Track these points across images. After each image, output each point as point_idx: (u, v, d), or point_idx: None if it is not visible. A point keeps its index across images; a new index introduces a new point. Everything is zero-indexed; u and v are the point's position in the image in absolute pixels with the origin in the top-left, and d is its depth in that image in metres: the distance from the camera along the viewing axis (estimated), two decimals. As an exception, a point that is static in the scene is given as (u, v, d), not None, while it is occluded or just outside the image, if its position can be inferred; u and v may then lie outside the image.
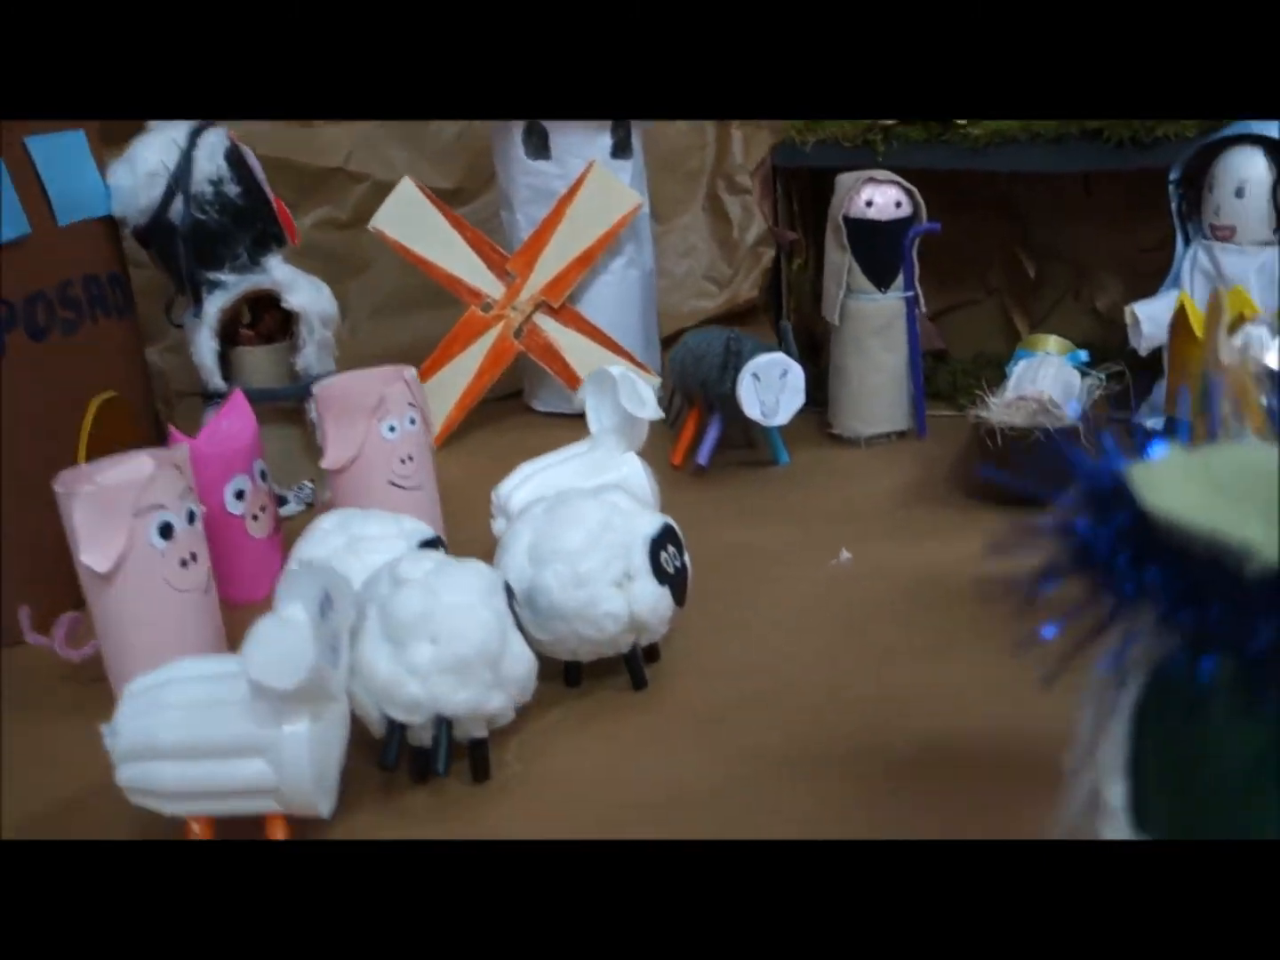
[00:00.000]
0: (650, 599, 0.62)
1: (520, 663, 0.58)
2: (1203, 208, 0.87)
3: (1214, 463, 0.36)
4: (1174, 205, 0.89)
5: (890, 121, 0.97)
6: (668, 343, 1.27)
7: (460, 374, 1.08)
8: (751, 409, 0.90)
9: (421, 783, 0.58)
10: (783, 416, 0.91)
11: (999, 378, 1.05)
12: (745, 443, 1.02)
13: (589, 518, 0.63)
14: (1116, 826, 0.34)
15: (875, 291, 0.96)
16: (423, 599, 0.56)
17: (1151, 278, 1.05)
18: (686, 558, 0.66)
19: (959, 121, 0.96)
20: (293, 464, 0.95)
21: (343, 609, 0.54)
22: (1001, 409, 0.84)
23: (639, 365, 1.11)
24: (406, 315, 1.32)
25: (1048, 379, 0.86)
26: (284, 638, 0.49)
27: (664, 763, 0.59)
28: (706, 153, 1.50)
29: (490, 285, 1.08)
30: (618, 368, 0.76)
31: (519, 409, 1.19)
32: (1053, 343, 0.96)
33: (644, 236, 1.13)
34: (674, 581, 0.64)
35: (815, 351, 1.14)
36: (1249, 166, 0.83)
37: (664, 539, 0.64)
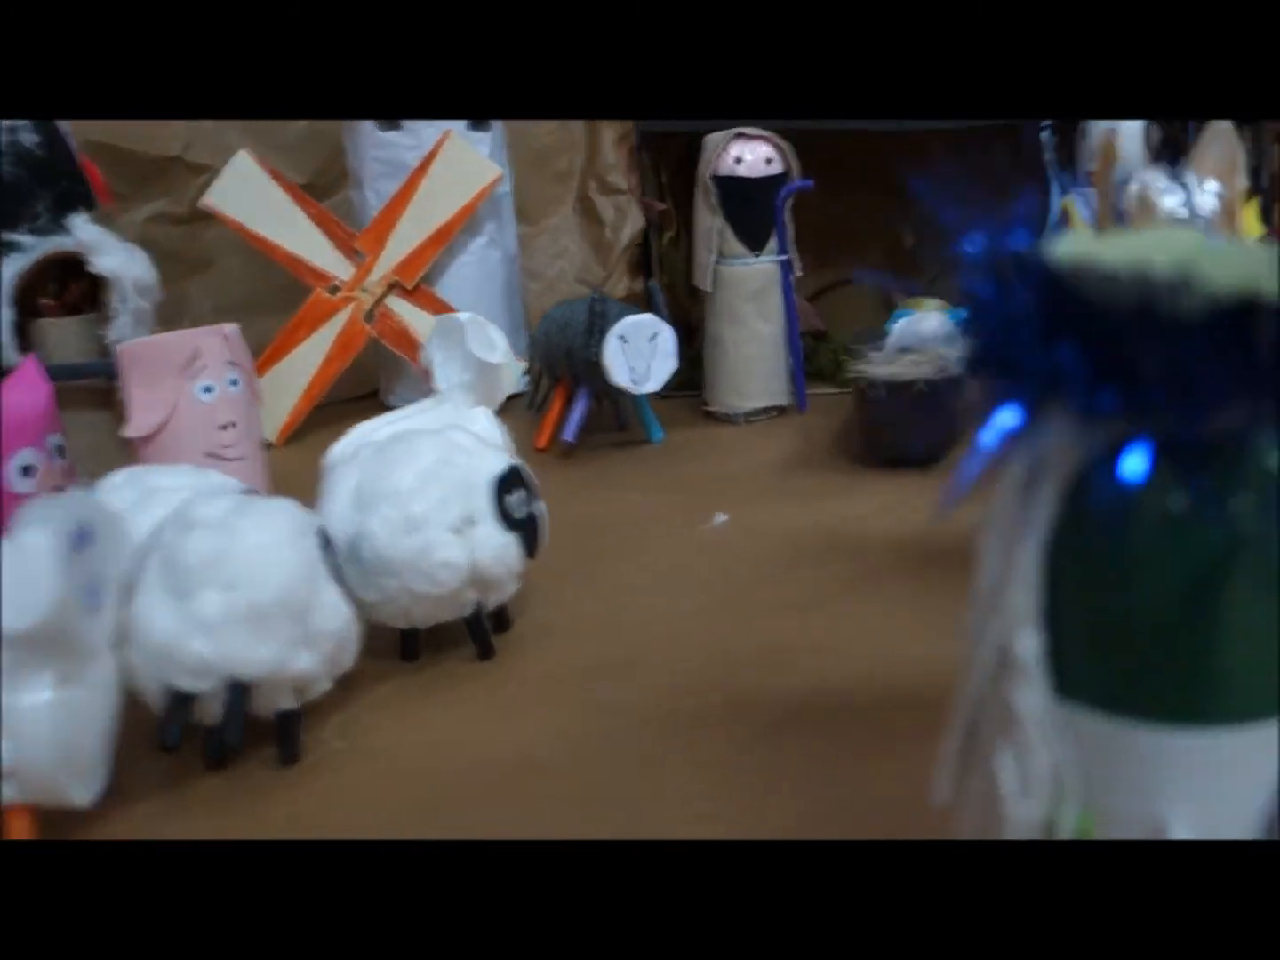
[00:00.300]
0: (494, 547, 0.54)
1: (334, 616, 0.49)
2: (1077, 156, 0.84)
3: (1130, 239, 0.30)
4: (1047, 155, 0.86)
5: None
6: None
7: (305, 363, 0.99)
8: (619, 375, 0.83)
9: (218, 768, 0.48)
10: (654, 383, 0.84)
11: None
12: (617, 425, 0.95)
13: (424, 454, 0.54)
14: (1031, 689, 0.27)
15: (748, 255, 0.90)
16: (215, 540, 0.46)
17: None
18: (540, 506, 0.58)
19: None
20: (105, 454, 0.84)
21: (110, 550, 0.44)
22: (884, 362, 0.79)
23: (503, 350, 1.03)
24: (253, 316, 1.22)
25: (930, 331, 0.81)
26: (17, 566, 0.39)
27: (514, 728, 0.50)
28: (576, 153, 1.45)
29: (337, 265, 1.00)
30: (466, 314, 0.68)
31: (375, 409, 1.10)
32: (933, 304, 0.92)
33: (506, 216, 1.07)
34: (523, 529, 0.56)
35: (690, 335, 1.08)
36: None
37: (511, 481, 0.56)
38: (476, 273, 1.04)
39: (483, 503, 0.54)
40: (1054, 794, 0.28)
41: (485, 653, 0.57)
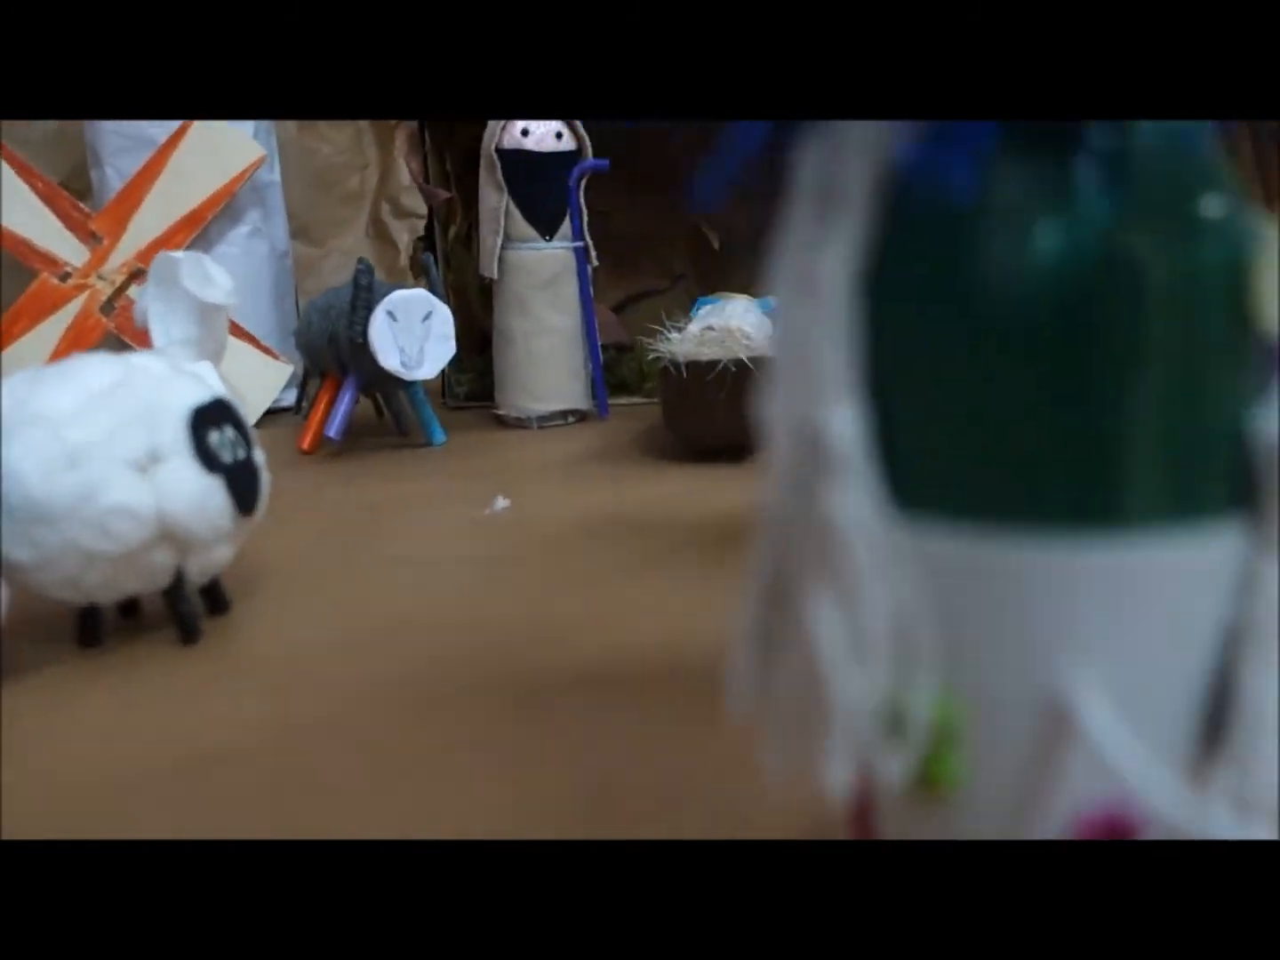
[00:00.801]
0: (189, 490, 0.42)
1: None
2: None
3: None
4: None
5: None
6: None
7: (27, 358, 0.85)
8: (388, 357, 0.73)
9: None
10: (429, 368, 0.74)
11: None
12: (396, 430, 0.84)
13: (91, 374, 0.43)
14: (851, 491, 0.18)
15: (538, 240, 0.82)
16: None
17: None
18: (260, 456, 0.47)
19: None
20: None
21: None
22: (687, 342, 0.71)
23: (267, 351, 0.91)
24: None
25: (736, 314, 0.74)
26: None
27: (212, 714, 0.38)
28: (368, 173, 1.35)
29: (70, 249, 0.87)
30: (183, 252, 0.57)
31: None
32: (740, 296, 0.85)
33: (274, 205, 0.96)
34: (233, 476, 0.44)
35: (484, 343, 0.99)
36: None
37: (217, 415, 0.45)
38: (239, 266, 0.92)
39: (173, 435, 0.43)
40: (898, 659, 0.19)
41: (187, 633, 0.45)
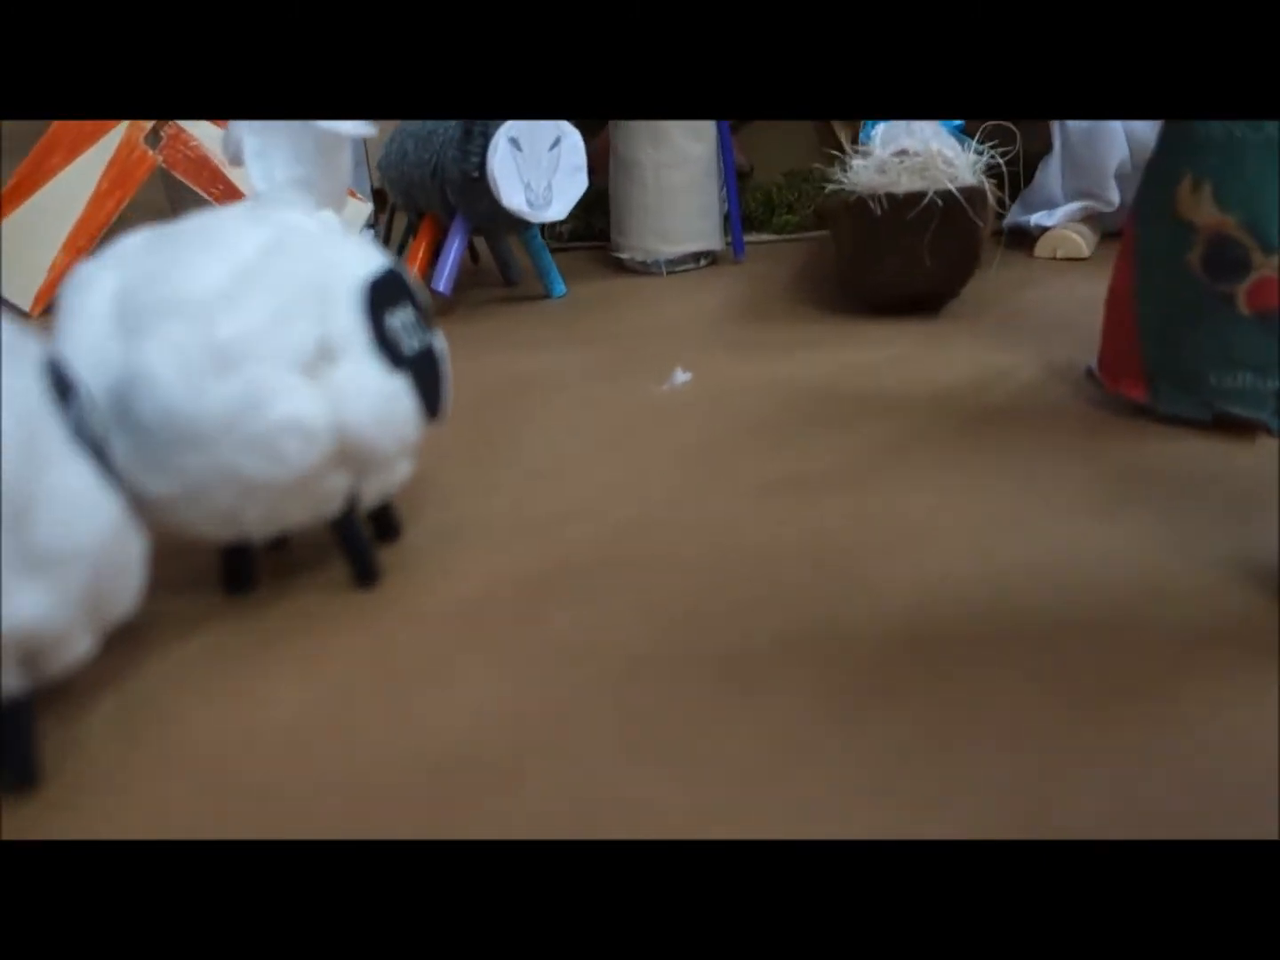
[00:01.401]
0: (372, 395, 0.32)
1: (85, 521, 0.26)
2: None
3: None
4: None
5: None
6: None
7: (65, 201, 0.72)
8: (512, 194, 0.60)
9: None
10: (559, 206, 0.62)
11: (818, 193, 0.81)
12: (505, 280, 0.73)
13: (240, 239, 0.31)
14: None
15: (672, 45, 0.68)
16: None
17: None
18: (439, 341, 0.36)
19: None
20: None
21: None
22: (875, 172, 0.58)
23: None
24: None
25: (927, 131, 0.62)
26: None
27: (428, 700, 0.29)
28: None
29: (104, 68, 0.73)
30: (292, 66, 0.44)
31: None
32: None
33: None
34: (418, 370, 0.34)
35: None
36: None
37: (394, 292, 0.33)
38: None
39: (348, 322, 0.32)
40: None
41: (365, 574, 0.35)
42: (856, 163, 0.59)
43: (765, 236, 0.80)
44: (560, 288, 0.69)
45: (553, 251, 0.81)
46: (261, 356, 0.30)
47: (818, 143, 0.88)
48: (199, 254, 0.31)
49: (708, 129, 0.71)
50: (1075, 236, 0.70)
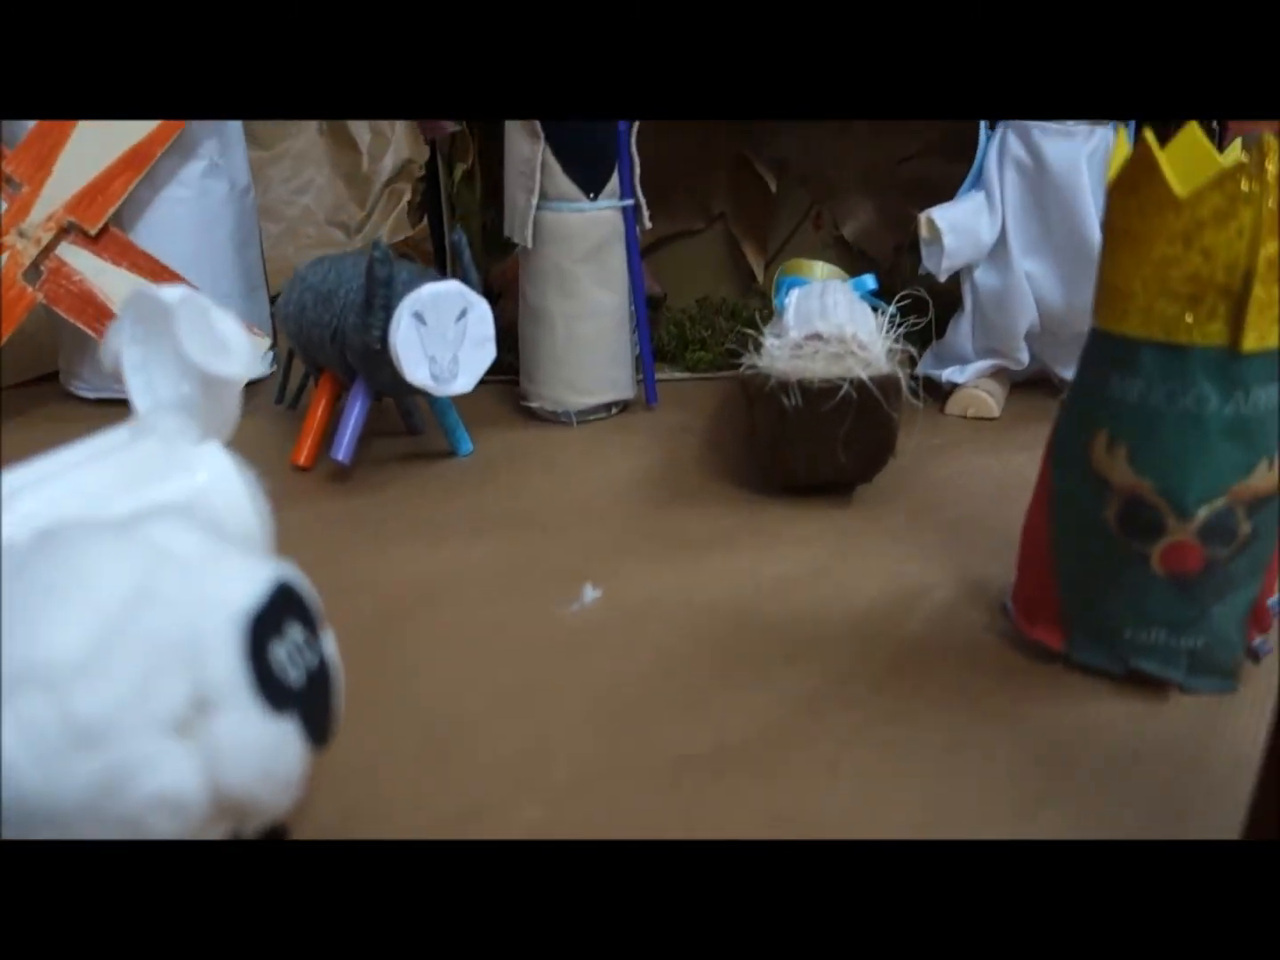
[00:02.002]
0: (252, 747, 0.29)
1: None
2: (1011, 78, 0.65)
3: None
4: (974, 76, 0.66)
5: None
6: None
7: (-66, 341, 0.68)
8: (415, 369, 0.58)
9: None
10: (464, 380, 0.60)
11: (737, 327, 0.80)
12: (407, 428, 0.70)
13: (99, 581, 0.29)
14: None
15: (582, 199, 0.67)
16: None
17: (915, 193, 0.84)
18: (329, 645, 0.33)
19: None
20: None
21: None
22: (790, 354, 0.57)
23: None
24: None
25: (841, 309, 0.61)
26: None
27: None
28: (319, 57, 1.15)
29: (-22, 199, 0.69)
30: (176, 289, 0.41)
31: (54, 396, 0.79)
32: (820, 269, 0.71)
33: (233, 137, 0.78)
34: (307, 702, 0.31)
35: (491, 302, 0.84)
36: (1075, 17, 0.62)
37: (278, 615, 0.31)
38: (194, 212, 0.75)
39: (226, 667, 0.29)
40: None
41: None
42: (770, 343, 0.58)
43: (678, 374, 0.79)
44: (466, 445, 0.66)
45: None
46: (126, 727, 0.27)
47: (730, 268, 0.88)
48: (55, 606, 0.28)
49: (619, 278, 0.69)
50: (986, 397, 0.70)
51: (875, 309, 0.67)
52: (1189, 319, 0.38)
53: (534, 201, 0.66)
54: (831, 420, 0.56)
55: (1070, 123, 0.63)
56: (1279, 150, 0.35)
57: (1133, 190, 0.38)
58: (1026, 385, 0.74)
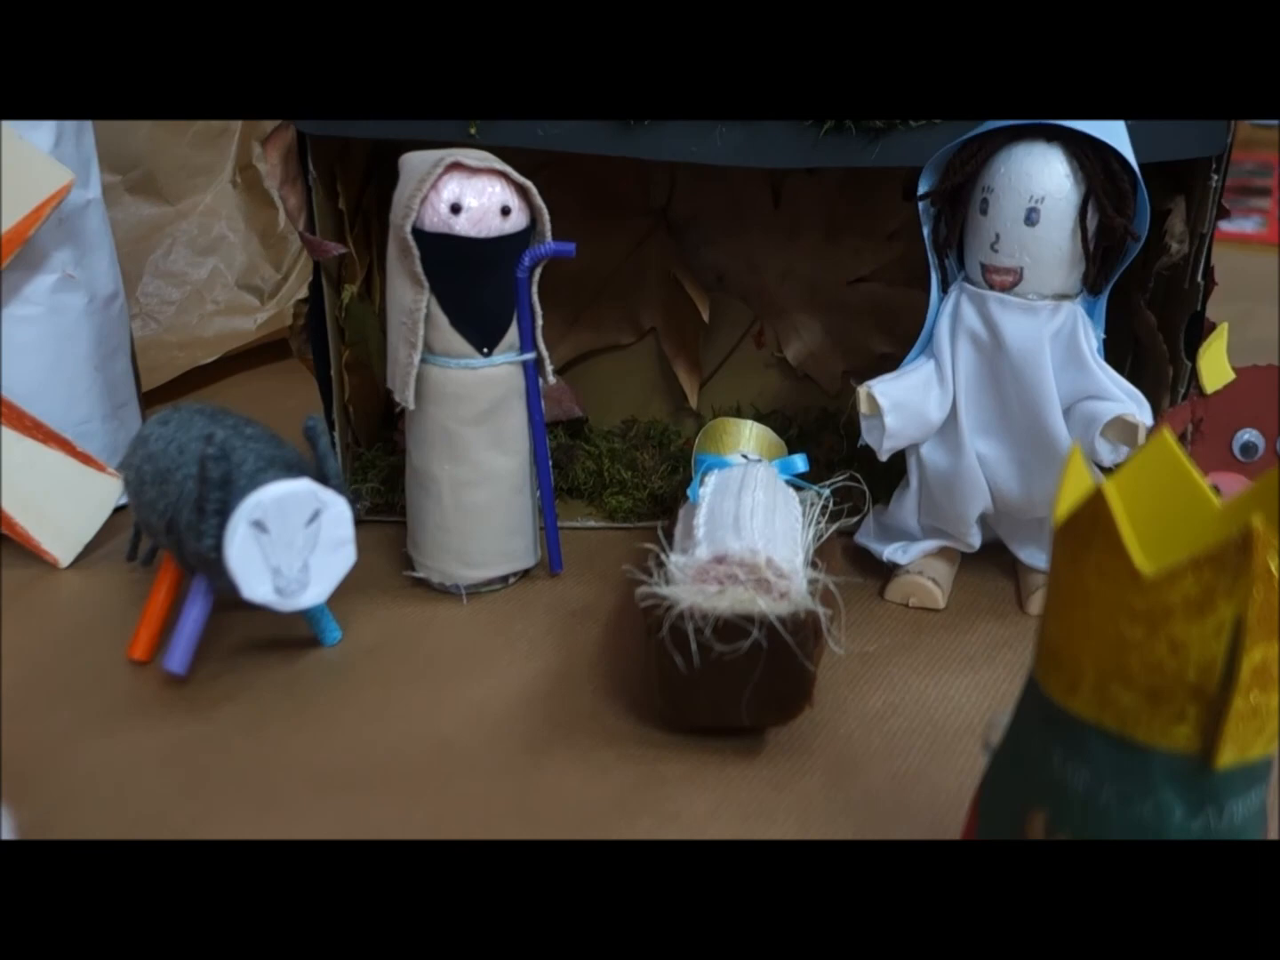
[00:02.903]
0: None
1: None
2: (969, 236, 0.57)
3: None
4: (926, 231, 0.58)
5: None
6: (164, 396, 0.84)
7: None
8: (255, 585, 0.49)
9: None
10: (317, 591, 0.51)
11: (665, 461, 0.72)
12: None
13: None
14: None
15: (474, 355, 0.58)
16: None
17: (867, 317, 0.76)
18: None
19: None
20: None
21: None
22: (695, 578, 0.49)
23: (87, 461, 0.66)
24: None
25: (759, 516, 0.52)
26: None
27: None
28: (234, 103, 1.05)
29: None
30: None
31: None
32: (749, 435, 0.63)
33: (95, 233, 0.68)
34: None
35: (389, 428, 0.75)
36: (1044, 176, 0.53)
37: None
38: (42, 332, 0.66)
39: None
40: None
41: None
42: (674, 563, 0.50)
43: (592, 524, 0.70)
44: (333, 634, 0.58)
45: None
46: None
47: (662, 387, 0.79)
48: None
49: (517, 439, 0.60)
50: (930, 587, 0.62)
51: (800, 490, 0.59)
52: (1150, 717, 0.30)
53: (416, 359, 0.57)
54: (739, 666, 0.47)
55: (1033, 297, 0.55)
56: (1270, 542, 0.27)
57: (1085, 545, 0.30)
58: (979, 554, 0.66)
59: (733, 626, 0.47)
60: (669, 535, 0.56)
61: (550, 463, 0.64)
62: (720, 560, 0.49)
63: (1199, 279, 0.62)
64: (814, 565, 0.52)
